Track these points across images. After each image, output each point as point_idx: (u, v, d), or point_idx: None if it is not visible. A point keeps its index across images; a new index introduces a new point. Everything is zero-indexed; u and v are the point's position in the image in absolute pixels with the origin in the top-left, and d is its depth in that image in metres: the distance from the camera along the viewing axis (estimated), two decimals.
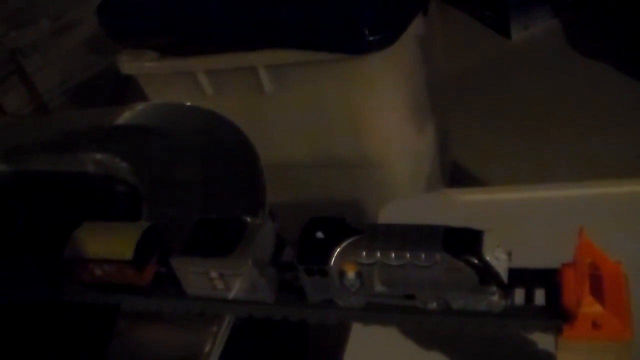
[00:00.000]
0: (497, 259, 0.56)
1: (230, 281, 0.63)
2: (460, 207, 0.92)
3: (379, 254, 0.56)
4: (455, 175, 1.72)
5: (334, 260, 0.57)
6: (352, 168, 1.52)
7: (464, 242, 0.56)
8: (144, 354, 0.72)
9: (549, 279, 0.59)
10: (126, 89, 1.84)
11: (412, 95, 1.52)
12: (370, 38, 1.32)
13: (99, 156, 0.94)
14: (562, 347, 0.57)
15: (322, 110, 1.47)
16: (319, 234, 0.59)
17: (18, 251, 0.87)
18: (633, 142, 1.68)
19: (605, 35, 2.08)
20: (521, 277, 0.59)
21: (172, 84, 1.55)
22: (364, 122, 1.46)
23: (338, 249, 0.57)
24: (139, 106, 1.03)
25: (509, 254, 0.57)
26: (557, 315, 0.57)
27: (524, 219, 0.85)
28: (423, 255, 0.55)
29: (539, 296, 0.59)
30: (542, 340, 0.61)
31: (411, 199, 1.00)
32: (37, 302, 0.77)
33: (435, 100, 1.61)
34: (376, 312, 0.61)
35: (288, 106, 1.49)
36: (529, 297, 0.59)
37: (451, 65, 1.99)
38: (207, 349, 0.69)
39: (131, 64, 1.57)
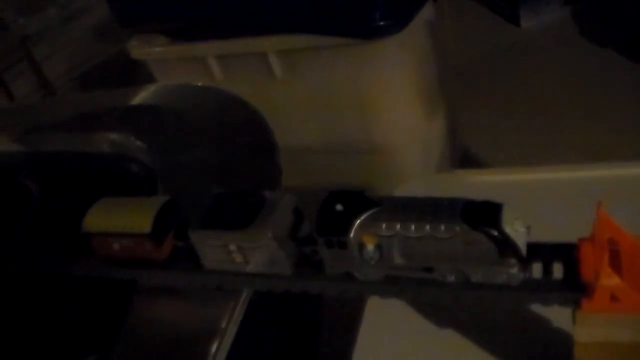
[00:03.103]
0: (516, 231, 0.56)
1: (249, 254, 0.63)
2: (473, 187, 0.92)
3: (398, 226, 0.57)
4: (465, 161, 1.72)
5: (354, 232, 0.58)
6: (361, 153, 1.52)
7: (483, 214, 0.56)
8: (160, 330, 0.72)
9: (566, 253, 0.59)
10: (135, 76, 1.84)
11: (422, 81, 1.51)
12: (381, 23, 1.32)
13: (113, 136, 0.94)
14: (580, 321, 0.58)
15: (332, 95, 1.47)
16: (339, 207, 0.59)
17: (35, 229, 0.87)
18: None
19: (614, 23, 2.08)
20: (539, 251, 0.59)
21: (182, 69, 1.55)
22: (374, 108, 1.46)
23: (357, 221, 0.58)
24: (153, 87, 1.03)
25: (528, 228, 0.57)
26: (576, 288, 0.57)
27: (536, 200, 0.85)
28: (442, 227, 0.55)
29: (557, 271, 0.59)
30: (559, 316, 0.60)
31: (423, 180, 1.00)
32: (55, 276, 0.77)
33: (445, 87, 1.61)
34: (394, 285, 0.61)
35: (298, 91, 1.49)
36: (547, 271, 0.59)
37: (461, 52, 1.99)
38: (223, 324, 0.69)
39: (141, 49, 1.58)
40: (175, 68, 1.55)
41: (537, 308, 0.60)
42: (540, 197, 0.86)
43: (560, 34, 2.14)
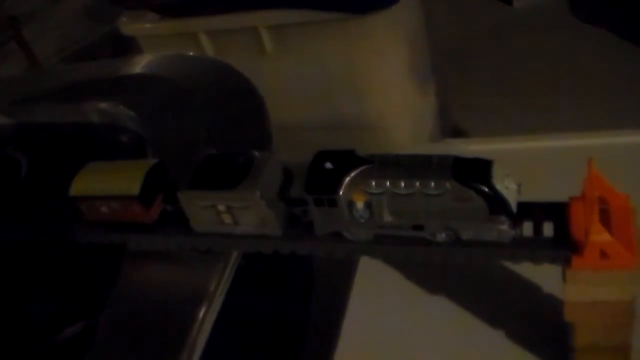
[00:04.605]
0: (507, 188, 0.56)
1: (238, 214, 0.62)
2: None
3: (388, 183, 0.56)
4: (456, 138, 1.71)
5: (343, 189, 0.57)
6: (352, 130, 1.51)
7: (473, 170, 0.56)
8: (148, 294, 0.72)
9: (557, 212, 0.59)
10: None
11: (414, 57, 1.51)
12: None
13: (103, 105, 0.93)
14: (570, 278, 0.57)
15: (323, 71, 1.46)
16: (328, 165, 0.58)
17: (24, 197, 0.86)
18: (634, 108, 1.68)
19: (607, 3, 2.07)
20: (529, 210, 0.59)
21: (172, 45, 1.54)
22: (366, 83, 1.45)
23: (347, 179, 0.57)
24: (142, 57, 1.02)
25: (519, 185, 0.57)
26: (566, 246, 0.57)
27: (527, 167, 0.85)
28: (433, 184, 0.55)
29: (548, 230, 0.59)
30: (549, 276, 0.60)
31: (414, 149, 0.99)
32: (44, 242, 0.77)
33: (437, 64, 1.60)
34: (384, 244, 0.61)
35: (289, 67, 1.48)
36: (538, 229, 0.59)
37: (453, 31, 1.98)
38: (212, 287, 0.68)
39: (132, 26, 1.56)
40: (166, 44, 1.53)
41: (527, 267, 0.60)
42: (532, 165, 0.86)
43: (553, 13, 2.13)
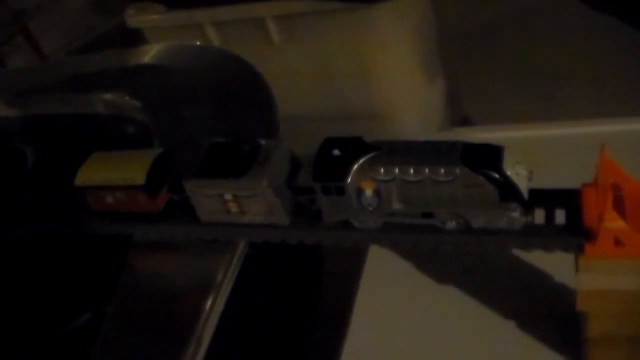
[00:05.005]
0: (518, 174, 0.55)
1: (245, 203, 0.62)
2: None
3: (397, 170, 0.55)
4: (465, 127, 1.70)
5: (351, 177, 0.56)
6: (361, 120, 1.50)
7: (483, 156, 0.55)
8: (155, 285, 0.71)
9: (569, 199, 0.58)
10: None
11: (421, 46, 1.49)
12: None
13: (109, 96, 0.92)
14: (583, 267, 0.56)
15: (331, 62, 1.45)
16: (336, 152, 0.57)
17: (30, 189, 0.86)
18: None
19: None
20: (541, 197, 0.58)
21: (179, 37, 1.53)
22: (373, 73, 1.44)
23: (355, 166, 0.56)
24: (148, 48, 1.02)
25: (530, 172, 0.56)
26: (579, 233, 0.55)
27: (539, 155, 0.84)
28: (442, 170, 0.54)
29: (560, 217, 0.58)
30: (561, 265, 0.59)
31: (424, 138, 0.98)
32: (50, 234, 0.76)
33: (445, 53, 1.59)
34: (393, 232, 0.60)
35: (296, 57, 1.47)
36: (550, 217, 0.58)
37: (461, 19, 1.96)
38: (219, 278, 0.68)
39: (138, 18, 1.55)
40: (172, 36, 1.53)
41: (539, 255, 0.58)
42: (543, 153, 0.85)
43: (560, 1, 2.12)
